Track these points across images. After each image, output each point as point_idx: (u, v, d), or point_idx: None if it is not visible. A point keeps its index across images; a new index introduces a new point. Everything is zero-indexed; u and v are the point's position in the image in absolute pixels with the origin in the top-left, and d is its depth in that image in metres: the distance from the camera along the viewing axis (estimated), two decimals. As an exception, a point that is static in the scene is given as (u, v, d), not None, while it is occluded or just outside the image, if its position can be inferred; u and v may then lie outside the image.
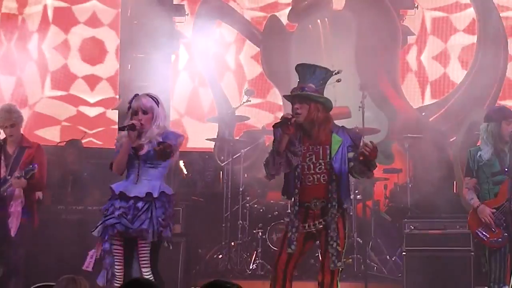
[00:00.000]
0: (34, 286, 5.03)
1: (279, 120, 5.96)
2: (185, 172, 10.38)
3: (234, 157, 9.65)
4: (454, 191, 9.69)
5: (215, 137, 10.65)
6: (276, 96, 11.10)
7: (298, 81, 6.01)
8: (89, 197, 9.19)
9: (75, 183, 9.36)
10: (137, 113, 6.05)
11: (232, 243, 9.28)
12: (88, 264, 6.17)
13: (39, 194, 7.57)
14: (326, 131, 5.96)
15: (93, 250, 6.13)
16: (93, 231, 6.09)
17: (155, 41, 10.31)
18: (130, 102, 6.14)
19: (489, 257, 6.95)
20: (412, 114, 10.69)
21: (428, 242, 8.41)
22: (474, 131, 9.77)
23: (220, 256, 9.38)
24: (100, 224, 6.06)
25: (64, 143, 10.08)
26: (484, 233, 6.97)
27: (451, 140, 10.19)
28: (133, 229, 5.92)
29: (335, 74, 6.04)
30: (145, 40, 10.36)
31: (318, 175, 5.96)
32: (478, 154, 7.07)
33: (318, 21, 10.78)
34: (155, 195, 6.00)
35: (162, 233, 6.00)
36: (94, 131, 11.12)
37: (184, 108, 11.33)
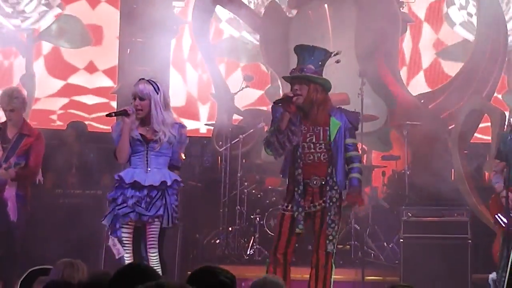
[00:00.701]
0: (31, 269, 5.03)
1: (280, 98, 6.03)
2: (183, 157, 10.36)
3: (233, 142, 9.66)
4: (452, 179, 9.70)
5: (214, 122, 10.65)
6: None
7: (297, 62, 6.06)
8: (89, 181, 9.20)
9: (78, 166, 9.35)
10: (135, 98, 6.04)
11: (230, 229, 9.32)
12: (118, 251, 6.17)
13: (39, 177, 7.58)
14: (324, 112, 6.08)
15: (111, 240, 6.15)
16: (103, 220, 6.13)
17: (154, 25, 10.27)
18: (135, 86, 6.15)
19: (504, 243, 6.84)
20: (411, 101, 10.69)
21: (426, 230, 8.42)
22: (473, 119, 9.79)
23: (218, 241, 9.43)
24: (109, 213, 6.08)
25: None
26: (503, 218, 6.88)
27: (450, 127, 10.19)
28: (149, 215, 5.94)
29: (334, 55, 6.11)
30: (145, 25, 10.32)
31: (319, 154, 6.09)
32: (509, 138, 6.91)
33: (318, 7, 10.73)
34: (169, 183, 6.06)
35: (174, 220, 6.10)
36: (93, 115, 11.10)
37: (184, 93, 11.33)
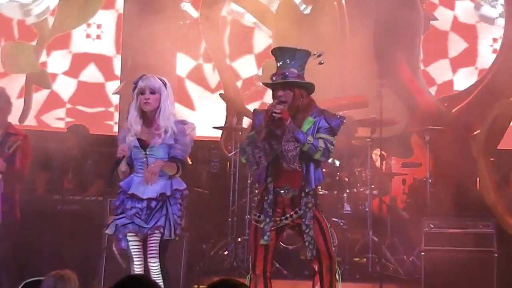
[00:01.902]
0: (26, 281, 5.06)
1: (264, 109, 6.06)
2: (190, 162, 10.38)
3: (242, 147, 9.63)
4: (477, 188, 9.67)
5: (223, 125, 10.66)
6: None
7: (278, 66, 6.10)
8: (89, 187, 9.22)
9: (75, 171, 9.37)
10: (144, 92, 6.08)
11: (239, 239, 9.26)
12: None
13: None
14: (306, 116, 6.05)
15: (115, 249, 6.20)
16: (106, 229, 6.19)
17: (159, 20, 10.30)
18: (136, 83, 6.17)
19: None
20: (434, 104, 10.67)
21: (449, 242, 8.43)
22: (500, 123, 9.76)
23: (226, 252, 9.38)
24: (111, 222, 6.16)
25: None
26: None
27: (474, 133, 10.16)
28: (148, 227, 5.97)
29: (318, 56, 6.13)
30: (149, 20, 10.36)
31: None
32: None
33: (335, 2, 10.75)
34: (168, 193, 6.08)
35: (176, 230, 6.10)
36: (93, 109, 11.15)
37: (191, 94, 11.37)
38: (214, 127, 10.32)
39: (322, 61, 6.20)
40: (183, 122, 6.19)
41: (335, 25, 10.56)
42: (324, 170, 8.92)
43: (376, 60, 10.35)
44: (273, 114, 5.95)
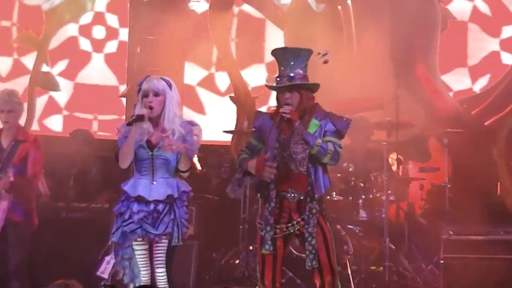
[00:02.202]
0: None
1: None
2: (199, 168, 10.35)
3: (254, 151, 9.59)
4: (498, 193, 9.62)
5: (233, 129, 10.65)
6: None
7: (282, 67, 6.04)
8: (95, 194, 9.19)
9: (78, 178, 9.35)
10: (148, 95, 6.04)
11: (250, 247, 9.20)
12: (104, 270, 6.17)
13: (43, 188, 7.60)
14: (310, 117, 6.02)
15: (110, 256, 6.14)
16: (112, 237, 6.09)
17: (166, 22, 10.28)
18: (140, 84, 6.12)
19: None
20: (452, 106, 10.63)
21: (469, 249, 8.42)
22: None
23: (237, 261, 9.37)
24: (117, 229, 6.06)
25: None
26: None
27: (495, 135, 10.10)
28: (157, 234, 5.93)
29: (323, 55, 6.09)
30: (156, 21, 10.34)
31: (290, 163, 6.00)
32: None
33: (348, 1, 10.70)
34: (176, 195, 6.04)
35: (184, 236, 6.05)
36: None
37: (199, 97, 11.36)
38: (224, 131, 10.29)
39: (327, 61, 6.15)
40: (191, 123, 6.12)
41: (349, 24, 10.51)
42: (338, 175, 8.99)
43: (392, 60, 10.31)
44: (283, 115, 5.91)
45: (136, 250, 6.04)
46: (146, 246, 6.06)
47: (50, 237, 8.52)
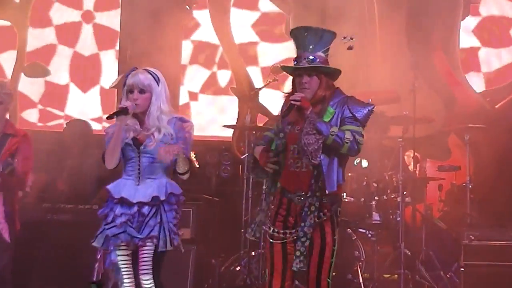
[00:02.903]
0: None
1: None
2: (197, 166, 10.24)
3: (257, 148, 9.53)
4: (524, 194, 9.61)
5: (234, 123, 10.64)
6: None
7: (300, 48, 5.89)
8: (84, 194, 9.13)
9: (66, 176, 9.32)
10: (133, 91, 5.99)
11: (253, 253, 9.16)
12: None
13: (28, 186, 7.66)
14: (326, 105, 5.85)
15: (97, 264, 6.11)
16: (93, 241, 6.03)
17: (162, 10, 10.24)
18: (127, 76, 6.07)
19: None
20: (474, 99, 10.64)
21: (491, 256, 8.43)
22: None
23: (238, 268, 9.32)
24: (100, 233, 6.00)
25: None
26: None
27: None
28: (141, 238, 5.85)
29: (350, 39, 5.95)
30: (150, 5, 10.29)
31: (302, 160, 5.84)
32: None
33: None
34: (162, 197, 5.96)
35: (173, 241, 5.96)
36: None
37: (198, 91, 11.36)
38: (224, 126, 10.24)
39: (351, 46, 6.01)
40: (181, 120, 6.08)
41: (362, 10, 10.47)
42: (349, 174, 8.91)
43: (409, 49, 10.30)
44: (292, 102, 5.76)
45: (118, 256, 5.97)
46: (129, 252, 5.98)
47: (34, 240, 8.46)
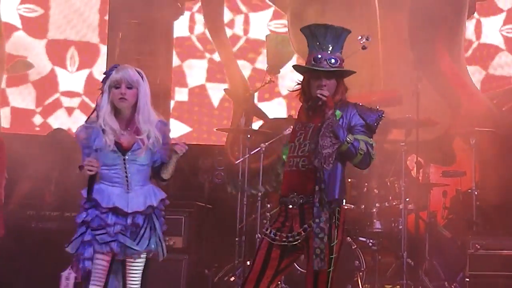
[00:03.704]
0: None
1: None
2: (189, 172, 10.33)
3: (252, 153, 9.58)
4: (532, 201, 9.65)
5: (228, 127, 10.64)
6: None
7: (316, 47, 5.84)
8: (69, 201, 9.17)
9: (51, 183, 9.36)
10: (120, 85, 5.95)
11: (248, 263, 9.14)
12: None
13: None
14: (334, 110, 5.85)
15: (67, 271, 6.04)
16: (67, 246, 5.96)
17: (153, 5, 10.30)
18: (108, 73, 6.01)
19: None
20: (481, 101, 10.63)
21: (498, 266, 8.56)
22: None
23: (232, 278, 9.33)
24: (75, 238, 5.92)
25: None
26: None
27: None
28: (139, 250, 5.87)
29: (366, 39, 5.95)
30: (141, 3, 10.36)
31: (298, 159, 5.85)
32: None
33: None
34: (155, 204, 5.98)
35: (164, 250, 5.99)
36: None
37: (189, 91, 11.37)
38: (218, 129, 10.28)
39: (365, 46, 6.02)
40: (163, 122, 6.07)
41: (362, 7, 10.51)
42: (349, 180, 8.96)
43: (412, 48, 10.31)
44: (319, 96, 5.73)
45: (97, 260, 5.89)
46: (109, 259, 5.92)
47: (18, 249, 8.51)
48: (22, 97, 11.32)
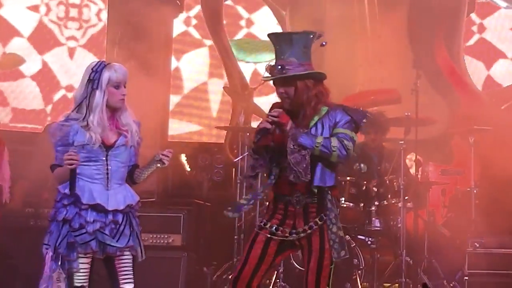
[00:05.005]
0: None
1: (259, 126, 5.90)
2: (188, 169, 10.34)
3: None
4: (532, 200, 9.63)
5: (227, 124, 10.67)
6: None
7: (276, 55, 5.88)
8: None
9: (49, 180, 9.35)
10: (120, 86, 5.91)
11: (246, 261, 9.22)
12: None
13: (5, 196, 7.60)
14: (318, 107, 5.87)
15: (56, 273, 5.95)
16: (56, 245, 5.78)
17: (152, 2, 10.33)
18: (97, 70, 5.89)
19: None
20: (480, 100, 10.62)
21: (497, 265, 8.51)
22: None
23: (231, 276, 9.31)
24: (62, 240, 5.77)
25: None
26: None
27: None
28: (119, 247, 5.85)
29: (317, 38, 5.97)
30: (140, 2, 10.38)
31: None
32: None
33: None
34: (134, 204, 5.94)
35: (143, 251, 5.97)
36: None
37: (187, 88, 11.39)
38: (217, 127, 10.29)
39: (324, 43, 6.05)
40: (137, 122, 6.03)
41: (362, 5, 10.52)
42: (348, 178, 8.97)
43: (411, 46, 10.31)
44: (268, 118, 5.76)
45: (81, 263, 5.80)
46: (90, 260, 5.85)
47: (16, 247, 8.53)
48: (23, 96, 11.34)
